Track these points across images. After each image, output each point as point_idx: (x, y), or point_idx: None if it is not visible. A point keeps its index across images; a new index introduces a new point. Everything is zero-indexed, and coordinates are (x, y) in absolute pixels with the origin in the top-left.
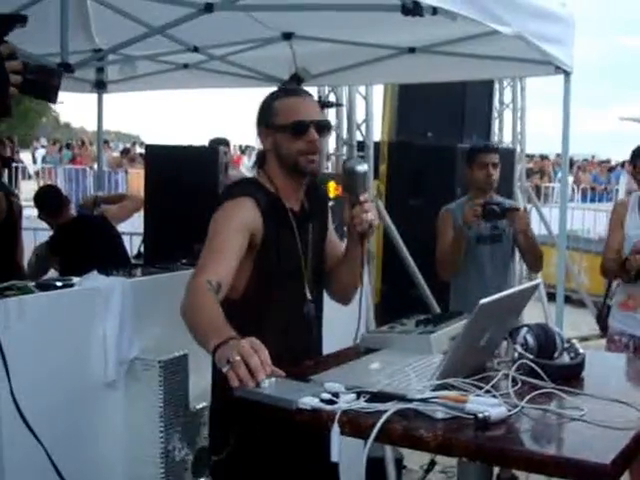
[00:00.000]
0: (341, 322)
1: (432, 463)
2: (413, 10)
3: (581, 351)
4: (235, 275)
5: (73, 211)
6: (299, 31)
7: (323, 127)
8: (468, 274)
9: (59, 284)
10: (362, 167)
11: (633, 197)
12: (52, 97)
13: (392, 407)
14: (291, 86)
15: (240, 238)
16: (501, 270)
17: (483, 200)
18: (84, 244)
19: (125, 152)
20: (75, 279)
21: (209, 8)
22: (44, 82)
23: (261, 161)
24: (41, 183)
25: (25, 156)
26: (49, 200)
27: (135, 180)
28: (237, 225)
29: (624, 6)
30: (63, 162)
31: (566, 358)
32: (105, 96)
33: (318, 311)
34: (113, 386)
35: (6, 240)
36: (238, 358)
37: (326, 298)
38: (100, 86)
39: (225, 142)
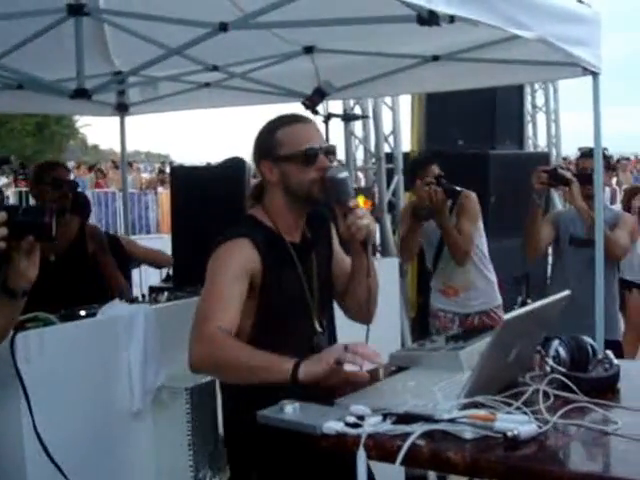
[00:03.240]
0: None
1: None
2: (429, 20)
3: (616, 362)
4: (240, 319)
5: None
6: (320, 44)
7: (331, 152)
8: (559, 276)
9: (82, 314)
10: (343, 174)
11: None
12: (46, 236)
13: (418, 429)
14: (290, 113)
15: (241, 284)
16: (595, 276)
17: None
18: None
19: (161, 172)
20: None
21: (224, 27)
22: (35, 222)
23: (259, 194)
24: None
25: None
26: (85, 204)
27: (165, 200)
28: (236, 270)
29: None
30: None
31: (600, 370)
32: (133, 117)
33: (332, 341)
34: (140, 415)
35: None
36: (349, 354)
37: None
38: (122, 109)
39: (240, 161)
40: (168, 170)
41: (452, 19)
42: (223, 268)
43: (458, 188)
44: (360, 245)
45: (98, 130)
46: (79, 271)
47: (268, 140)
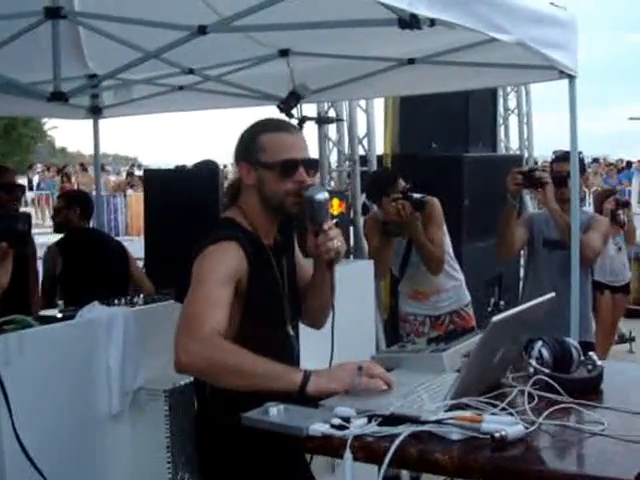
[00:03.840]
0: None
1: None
2: (410, 23)
3: (599, 363)
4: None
5: None
6: (295, 47)
7: (312, 166)
8: (532, 278)
9: (59, 316)
10: (322, 195)
11: None
12: (21, 243)
13: (405, 430)
14: (278, 119)
15: (229, 287)
16: (568, 277)
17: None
18: (93, 251)
19: (130, 175)
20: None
21: (202, 30)
22: (10, 230)
23: (235, 193)
24: (38, 211)
25: (22, 182)
26: (89, 202)
27: (134, 203)
28: (225, 273)
29: (627, 3)
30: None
31: (583, 371)
32: (101, 119)
33: (298, 344)
34: (118, 417)
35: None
36: (365, 379)
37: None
38: (95, 112)
39: (213, 164)
40: (137, 173)
41: (433, 22)
42: (214, 270)
43: (421, 196)
44: (326, 264)
45: (66, 133)
46: (25, 274)
47: (251, 143)
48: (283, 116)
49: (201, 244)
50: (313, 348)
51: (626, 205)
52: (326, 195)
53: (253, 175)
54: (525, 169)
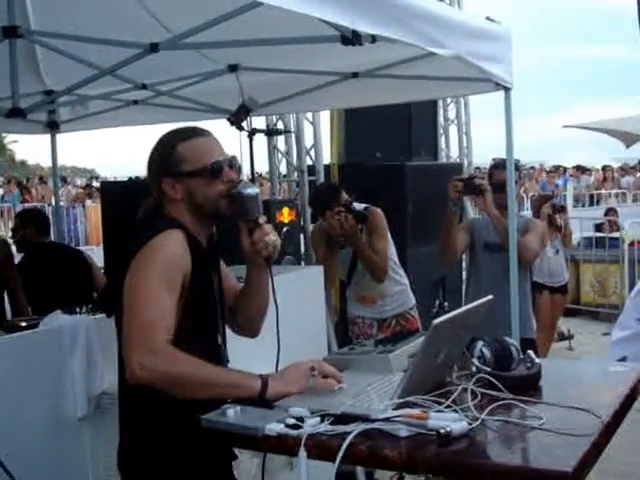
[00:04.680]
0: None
1: (401, 476)
2: (352, 40)
3: (537, 361)
4: None
5: None
6: (244, 62)
7: (234, 164)
8: (474, 280)
9: (24, 325)
10: (252, 190)
11: None
12: None
13: (356, 428)
14: (187, 127)
15: (178, 286)
16: (508, 279)
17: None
18: (52, 268)
19: (88, 186)
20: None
21: (154, 48)
22: None
23: (155, 213)
24: (1, 223)
25: None
26: (43, 219)
27: (93, 213)
28: (172, 270)
29: (558, 17)
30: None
31: (523, 369)
32: (58, 134)
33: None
34: (83, 422)
35: None
36: (321, 379)
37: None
38: (53, 127)
39: None
40: (95, 184)
41: (374, 38)
42: (161, 266)
43: (365, 207)
44: (264, 261)
45: (25, 146)
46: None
47: (168, 156)
48: (234, 129)
49: (144, 237)
50: (263, 349)
51: (562, 210)
52: (256, 189)
53: (179, 188)
54: (465, 177)
